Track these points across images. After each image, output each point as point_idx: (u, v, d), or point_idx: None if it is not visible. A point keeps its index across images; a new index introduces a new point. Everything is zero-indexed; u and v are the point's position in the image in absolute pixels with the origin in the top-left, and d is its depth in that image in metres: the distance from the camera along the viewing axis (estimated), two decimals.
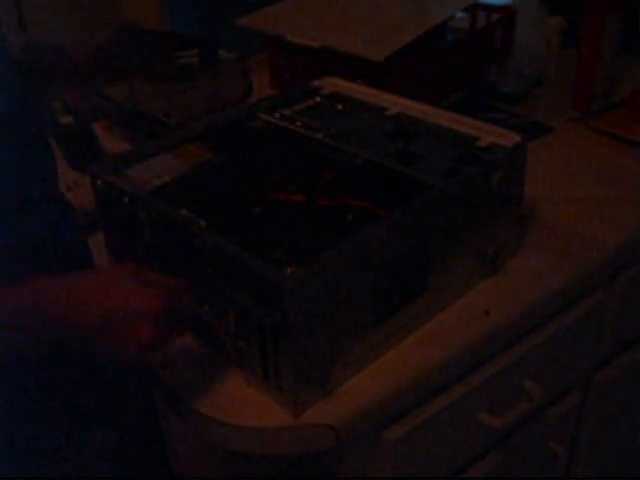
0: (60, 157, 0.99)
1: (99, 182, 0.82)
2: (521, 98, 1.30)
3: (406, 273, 0.76)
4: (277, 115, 0.96)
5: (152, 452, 0.83)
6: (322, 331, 0.68)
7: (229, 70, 1.27)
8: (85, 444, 0.70)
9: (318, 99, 1.01)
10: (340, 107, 0.98)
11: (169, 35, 1.36)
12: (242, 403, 0.72)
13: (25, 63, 0.82)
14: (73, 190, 0.96)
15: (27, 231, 0.69)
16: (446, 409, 0.81)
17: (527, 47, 1.47)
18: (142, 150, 0.88)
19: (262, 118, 0.96)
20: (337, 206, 0.77)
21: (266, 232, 0.73)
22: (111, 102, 1.28)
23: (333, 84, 1.03)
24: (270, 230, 0.73)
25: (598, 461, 1.18)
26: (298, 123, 0.94)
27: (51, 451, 0.67)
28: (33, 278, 0.60)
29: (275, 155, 0.89)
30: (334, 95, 1.01)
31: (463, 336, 0.79)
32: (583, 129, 1.20)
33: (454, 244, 0.80)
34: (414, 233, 0.74)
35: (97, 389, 0.70)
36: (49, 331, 0.60)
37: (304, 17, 1.33)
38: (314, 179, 0.82)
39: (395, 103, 0.96)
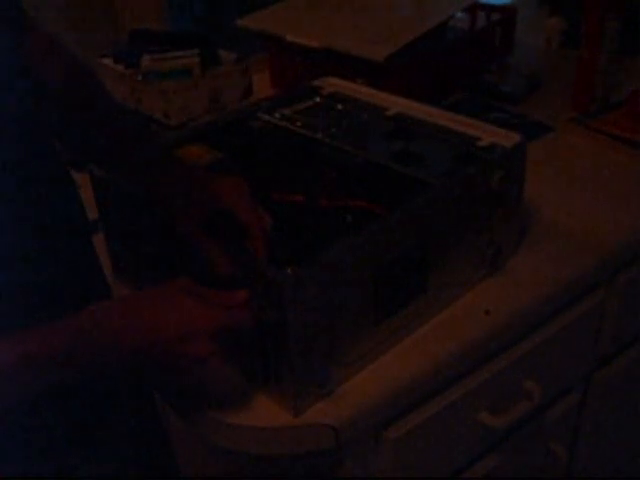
0: None
1: (99, 182, 0.82)
2: (521, 98, 1.30)
3: (406, 273, 0.76)
4: (277, 115, 0.96)
5: (157, 453, 0.83)
6: (322, 331, 0.68)
7: (229, 70, 1.28)
8: (89, 448, 0.70)
9: (318, 99, 1.01)
10: (340, 107, 0.98)
11: (169, 35, 1.37)
12: (242, 403, 0.72)
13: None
14: None
15: (47, 264, 0.65)
16: (446, 409, 0.81)
17: (527, 47, 1.48)
18: None
19: (262, 118, 0.96)
20: (337, 206, 0.77)
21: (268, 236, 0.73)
22: None
23: (333, 84, 1.03)
24: (270, 230, 0.73)
25: (598, 461, 1.18)
26: (298, 123, 0.94)
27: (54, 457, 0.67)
28: (89, 308, 0.59)
29: (275, 155, 0.89)
30: (334, 95, 1.01)
31: (463, 336, 0.79)
32: (583, 129, 1.20)
33: (454, 244, 0.80)
34: (414, 233, 0.74)
35: (97, 393, 0.70)
36: (101, 356, 0.59)
37: (304, 17, 1.33)
38: (314, 179, 0.82)
39: (395, 103, 0.96)
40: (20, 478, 0.65)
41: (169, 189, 0.73)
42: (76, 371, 0.58)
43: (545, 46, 1.51)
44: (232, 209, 0.70)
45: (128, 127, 0.78)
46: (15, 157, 0.60)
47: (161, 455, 0.85)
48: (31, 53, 0.68)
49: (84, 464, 0.69)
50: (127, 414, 0.75)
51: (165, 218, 0.74)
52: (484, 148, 0.85)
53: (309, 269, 0.65)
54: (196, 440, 0.92)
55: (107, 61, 1.29)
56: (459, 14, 1.41)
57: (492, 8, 1.42)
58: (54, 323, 0.57)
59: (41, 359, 0.56)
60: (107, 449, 0.71)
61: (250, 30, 1.32)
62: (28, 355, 0.55)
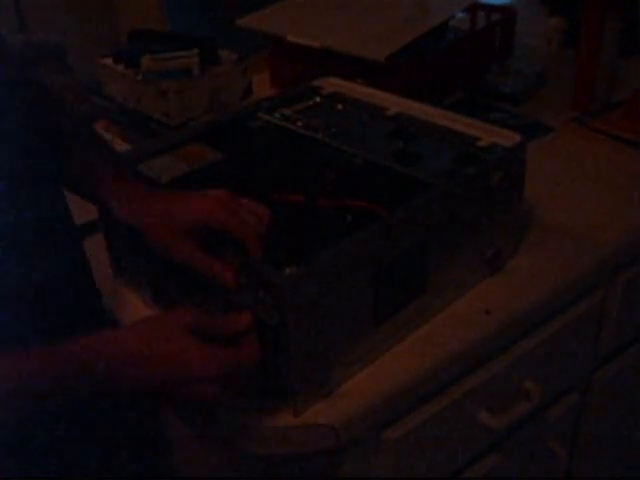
0: None
1: None
2: (521, 98, 1.30)
3: (406, 273, 0.76)
4: (277, 115, 0.96)
5: (156, 453, 0.83)
6: (322, 331, 0.67)
7: (229, 70, 1.28)
8: (89, 448, 0.70)
9: (318, 99, 1.01)
10: (340, 107, 0.98)
11: (169, 35, 1.36)
12: (242, 403, 0.72)
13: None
14: None
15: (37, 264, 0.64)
16: (446, 409, 0.81)
17: (527, 47, 1.48)
18: (142, 150, 0.88)
19: (262, 118, 0.96)
20: (337, 206, 0.77)
21: (266, 232, 0.73)
22: (111, 102, 1.29)
23: (333, 84, 1.03)
24: (270, 230, 0.73)
25: (598, 461, 1.18)
26: (298, 123, 0.94)
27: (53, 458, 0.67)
28: (87, 336, 0.58)
29: (275, 155, 0.89)
30: (334, 95, 1.01)
31: (463, 336, 0.79)
32: (583, 129, 1.20)
33: (454, 244, 0.80)
34: (414, 233, 0.74)
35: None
36: (99, 388, 0.59)
37: (304, 17, 1.33)
38: (314, 179, 0.82)
39: (395, 103, 0.96)
40: (20, 478, 0.65)
41: (148, 219, 0.73)
42: (71, 397, 0.58)
43: (545, 46, 1.51)
44: (213, 222, 0.69)
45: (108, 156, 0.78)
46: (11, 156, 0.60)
47: (161, 455, 0.85)
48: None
49: (84, 464, 0.69)
50: (127, 414, 0.75)
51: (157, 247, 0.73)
52: (484, 148, 0.85)
53: (309, 269, 0.65)
54: (196, 440, 0.92)
55: (107, 61, 1.29)
56: (459, 14, 1.41)
57: (492, 8, 1.42)
58: (51, 350, 0.56)
59: (35, 387, 0.55)
60: (107, 449, 0.71)
61: (250, 30, 1.32)
62: (23, 381, 0.55)
